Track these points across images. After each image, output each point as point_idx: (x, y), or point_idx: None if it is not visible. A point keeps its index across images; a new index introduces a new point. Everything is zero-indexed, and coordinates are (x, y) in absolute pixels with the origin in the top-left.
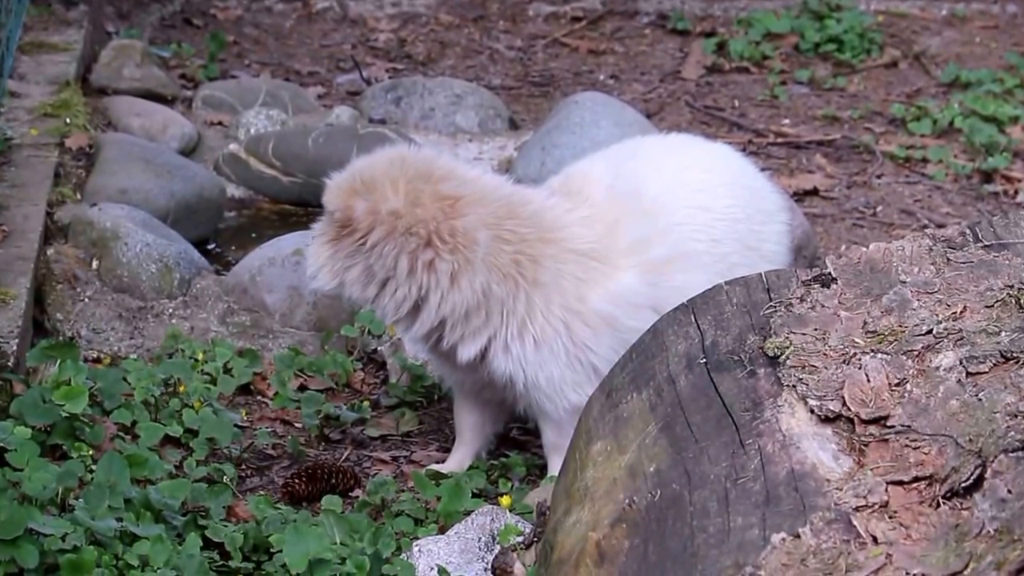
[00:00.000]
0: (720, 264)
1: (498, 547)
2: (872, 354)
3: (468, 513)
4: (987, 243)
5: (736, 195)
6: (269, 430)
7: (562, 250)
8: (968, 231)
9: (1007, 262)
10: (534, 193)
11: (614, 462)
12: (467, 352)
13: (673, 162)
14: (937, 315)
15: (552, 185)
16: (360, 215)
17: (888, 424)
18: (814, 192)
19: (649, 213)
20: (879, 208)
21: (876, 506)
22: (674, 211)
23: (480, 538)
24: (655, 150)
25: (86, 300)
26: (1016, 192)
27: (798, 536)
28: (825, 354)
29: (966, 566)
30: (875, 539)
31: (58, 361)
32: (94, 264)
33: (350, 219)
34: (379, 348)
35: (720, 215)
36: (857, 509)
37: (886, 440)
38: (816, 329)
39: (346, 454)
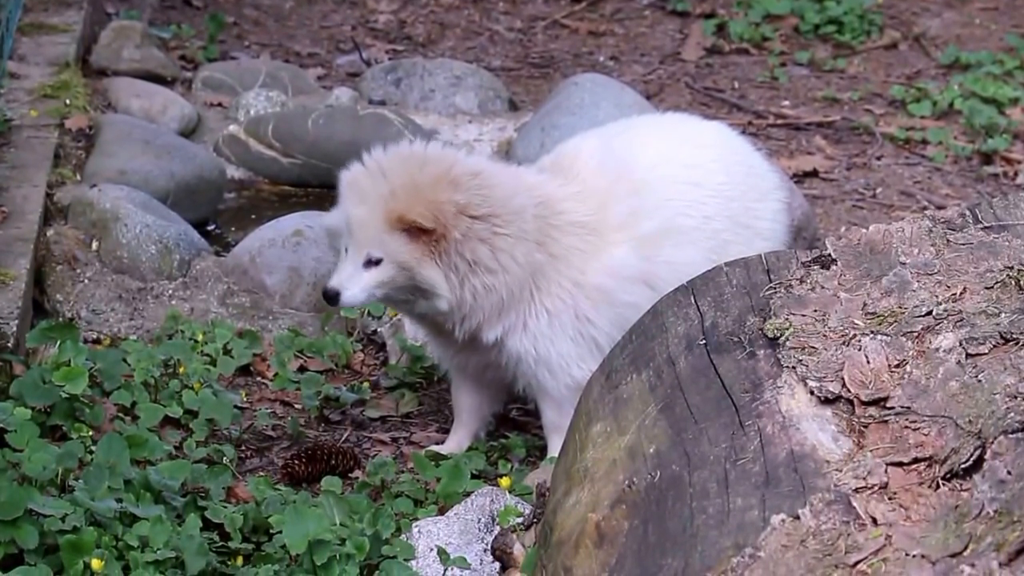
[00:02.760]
0: (712, 240)
1: (498, 528)
2: (872, 335)
3: (468, 494)
4: (987, 225)
5: (730, 172)
6: (269, 411)
7: (564, 222)
8: (968, 213)
9: (1007, 243)
10: (524, 170)
11: (614, 443)
12: (492, 334)
13: (665, 139)
14: (937, 296)
15: (543, 163)
16: (447, 218)
17: (888, 405)
18: (814, 174)
19: (639, 189)
20: (879, 190)
21: (876, 487)
22: (664, 187)
23: (480, 519)
24: (648, 127)
25: (86, 281)
26: (1016, 174)
27: (798, 517)
28: (825, 335)
29: (965, 547)
30: (875, 520)
31: (58, 342)
32: (94, 245)
33: (444, 224)
34: (379, 329)
35: (712, 192)
36: (857, 490)
37: (886, 421)
38: (816, 310)
39: (346, 435)
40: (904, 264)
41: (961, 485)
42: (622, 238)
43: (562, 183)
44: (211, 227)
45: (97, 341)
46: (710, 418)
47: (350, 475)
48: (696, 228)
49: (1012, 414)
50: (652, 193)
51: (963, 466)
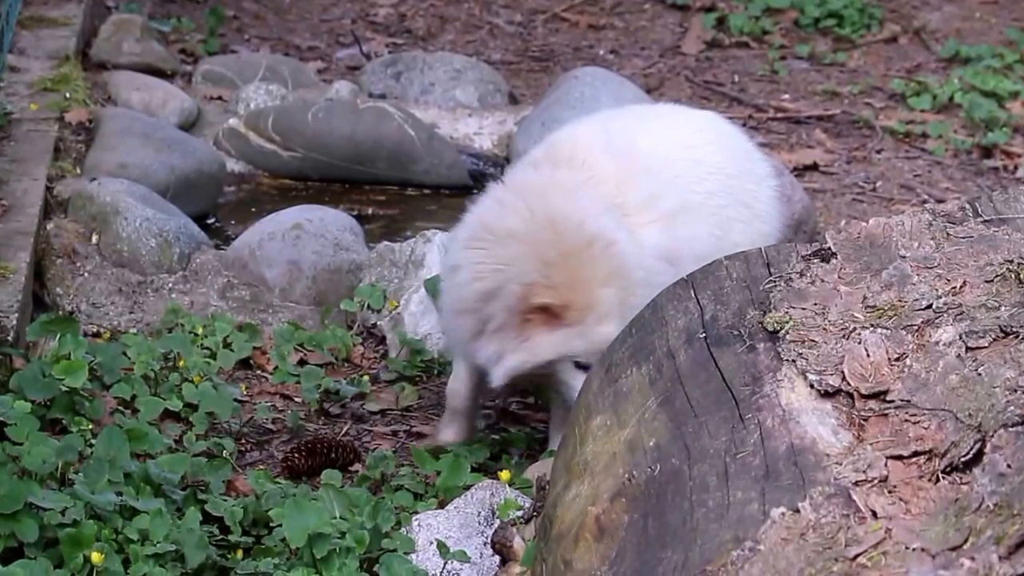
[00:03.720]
0: (716, 217)
1: (497, 521)
2: (872, 329)
3: (468, 488)
4: (987, 218)
5: (726, 153)
6: (269, 404)
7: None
8: (968, 206)
9: (1007, 237)
10: (528, 171)
11: (614, 436)
12: None
13: (661, 123)
14: (937, 290)
15: (535, 158)
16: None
17: (888, 399)
18: (814, 167)
19: (647, 169)
20: (879, 183)
21: (876, 481)
22: (669, 165)
23: (480, 512)
24: (641, 114)
25: (86, 274)
26: (1016, 167)
27: (797, 511)
28: (825, 329)
29: (965, 540)
30: (874, 514)
31: (58, 335)
32: (94, 239)
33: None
34: (379, 323)
35: (712, 169)
36: (857, 484)
37: (886, 415)
38: (816, 304)
39: (346, 428)
40: (904, 258)
41: (961, 478)
42: (649, 218)
43: (569, 172)
44: (211, 221)
45: (97, 334)
46: (710, 411)
47: (350, 468)
48: (702, 204)
49: (1012, 407)
50: (660, 172)
51: (963, 459)
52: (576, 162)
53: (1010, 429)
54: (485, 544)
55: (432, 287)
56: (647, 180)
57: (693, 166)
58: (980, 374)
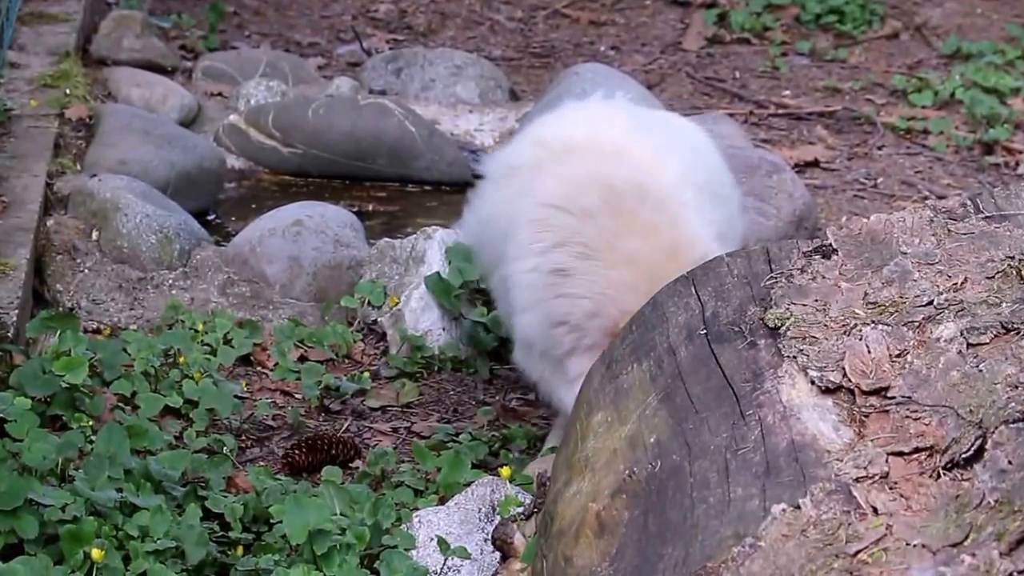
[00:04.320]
0: (702, 195)
1: (498, 518)
2: (873, 325)
3: (468, 484)
4: (988, 214)
5: (688, 136)
6: (269, 401)
7: None
8: (969, 202)
9: (1008, 233)
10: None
11: (614, 433)
12: None
13: (628, 114)
14: (938, 286)
15: (518, 161)
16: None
17: (889, 395)
18: (815, 164)
19: (669, 142)
20: (880, 179)
21: (876, 477)
22: (680, 139)
23: (480, 509)
24: (610, 106)
25: (86, 271)
26: (1017, 164)
27: (798, 507)
28: (826, 325)
29: (966, 537)
30: (875, 510)
31: (58, 332)
32: (94, 235)
33: None
34: (379, 319)
35: (690, 146)
36: (857, 480)
37: (886, 411)
38: (817, 300)
39: (346, 425)
40: (905, 254)
41: (962, 475)
42: (690, 194)
43: (589, 155)
44: (211, 217)
45: (97, 331)
46: (711, 408)
47: (350, 465)
48: (704, 182)
49: (1013, 404)
50: (677, 145)
51: (964, 456)
52: (588, 153)
53: (1011, 425)
54: (486, 540)
55: (433, 284)
56: (678, 155)
57: (675, 141)
58: (981, 370)
